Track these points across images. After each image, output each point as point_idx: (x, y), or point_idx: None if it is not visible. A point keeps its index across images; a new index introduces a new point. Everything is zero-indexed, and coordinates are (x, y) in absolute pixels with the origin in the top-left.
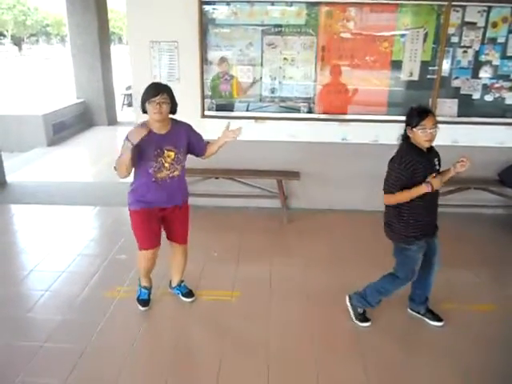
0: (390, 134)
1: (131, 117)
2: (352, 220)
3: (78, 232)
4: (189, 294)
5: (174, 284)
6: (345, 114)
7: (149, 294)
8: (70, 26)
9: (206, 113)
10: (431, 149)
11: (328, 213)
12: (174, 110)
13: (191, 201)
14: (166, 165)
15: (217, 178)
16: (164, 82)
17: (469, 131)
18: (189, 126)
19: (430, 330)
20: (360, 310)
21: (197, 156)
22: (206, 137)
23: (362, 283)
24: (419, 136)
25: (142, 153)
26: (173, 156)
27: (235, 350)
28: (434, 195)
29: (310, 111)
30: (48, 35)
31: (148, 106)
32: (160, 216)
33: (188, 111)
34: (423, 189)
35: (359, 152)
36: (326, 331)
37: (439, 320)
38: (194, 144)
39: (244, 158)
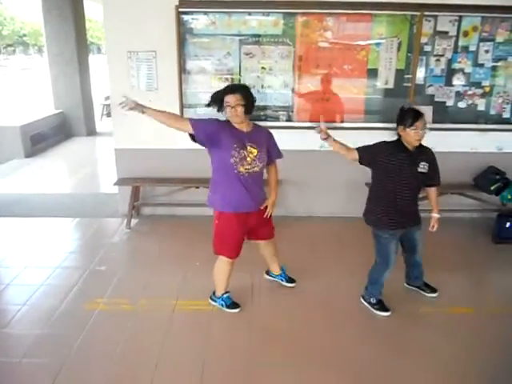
0: (366, 141)
1: (110, 127)
2: (331, 226)
3: (56, 244)
4: (291, 279)
5: (277, 272)
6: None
7: (231, 297)
8: (46, 36)
9: None
10: (420, 150)
11: (307, 220)
12: (249, 111)
13: (171, 210)
14: (249, 159)
15: (197, 188)
16: (142, 91)
17: (444, 137)
18: (270, 133)
19: (410, 332)
20: (372, 300)
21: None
22: (185, 146)
23: (344, 288)
24: (411, 135)
25: (222, 145)
26: (255, 153)
27: (218, 360)
28: (407, 190)
29: (288, 119)
30: (25, 45)
31: (225, 109)
32: (245, 223)
33: None
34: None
35: (337, 159)
36: (308, 340)
37: (433, 291)
38: (270, 151)
39: None
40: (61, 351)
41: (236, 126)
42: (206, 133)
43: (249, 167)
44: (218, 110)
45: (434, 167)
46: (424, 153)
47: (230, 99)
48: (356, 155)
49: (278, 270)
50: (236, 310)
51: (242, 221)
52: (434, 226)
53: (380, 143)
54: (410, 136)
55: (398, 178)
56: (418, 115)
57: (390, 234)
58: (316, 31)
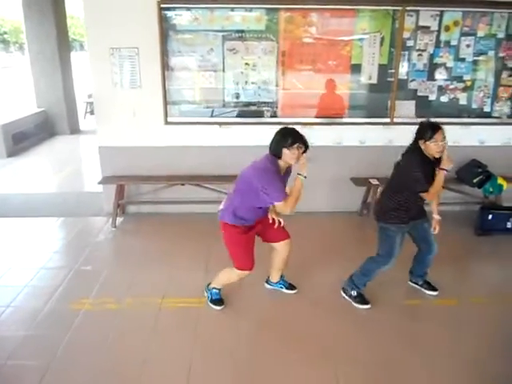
0: (352, 136)
1: (94, 125)
2: (317, 221)
3: (40, 244)
4: (292, 286)
5: (276, 280)
6: (308, 117)
7: (220, 295)
8: (27, 34)
9: (170, 119)
10: (438, 158)
11: (293, 215)
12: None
13: (156, 208)
14: None
15: (183, 185)
16: (126, 89)
17: None
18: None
19: (397, 323)
20: (354, 293)
21: None
22: (170, 143)
23: (332, 282)
24: (432, 148)
25: None
26: None
27: (205, 356)
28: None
29: (273, 115)
30: (6, 43)
31: (286, 151)
32: (251, 229)
33: (151, 118)
34: (442, 174)
35: (322, 155)
36: (296, 335)
37: (434, 290)
38: None
39: (209, 163)
40: (46, 352)
41: (282, 167)
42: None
43: None
44: (278, 150)
45: None
46: (439, 160)
47: (301, 145)
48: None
49: (278, 278)
50: (218, 308)
51: (247, 229)
52: (435, 227)
53: (418, 168)
54: (431, 148)
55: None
56: (436, 128)
57: (398, 227)
58: (299, 27)
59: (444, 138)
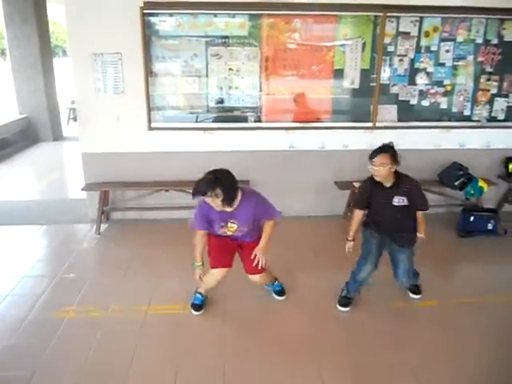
0: (334, 140)
1: (77, 131)
2: (302, 225)
3: (23, 253)
4: (282, 292)
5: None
6: (291, 122)
7: (202, 301)
8: (8, 39)
9: (153, 125)
10: (398, 185)
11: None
12: (229, 198)
13: (141, 214)
14: (229, 233)
15: (167, 191)
16: (109, 94)
17: (408, 135)
18: (258, 201)
19: (382, 325)
20: (342, 293)
21: None
22: (154, 149)
23: (319, 285)
24: (369, 169)
25: (211, 222)
26: (235, 228)
27: (191, 363)
28: (389, 216)
29: (257, 120)
30: None
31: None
32: (230, 241)
33: (134, 124)
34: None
35: (306, 159)
36: (281, 339)
37: (417, 293)
38: (261, 216)
39: (194, 169)
40: (29, 362)
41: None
42: (205, 220)
43: (230, 233)
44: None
45: (415, 198)
46: (402, 187)
47: (207, 200)
48: (361, 212)
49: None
50: (195, 313)
51: (224, 238)
52: (419, 246)
53: (364, 185)
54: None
55: (376, 209)
56: (378, 152)
57: (371, 233)
58: (282, 33)
59: (381, 164)
